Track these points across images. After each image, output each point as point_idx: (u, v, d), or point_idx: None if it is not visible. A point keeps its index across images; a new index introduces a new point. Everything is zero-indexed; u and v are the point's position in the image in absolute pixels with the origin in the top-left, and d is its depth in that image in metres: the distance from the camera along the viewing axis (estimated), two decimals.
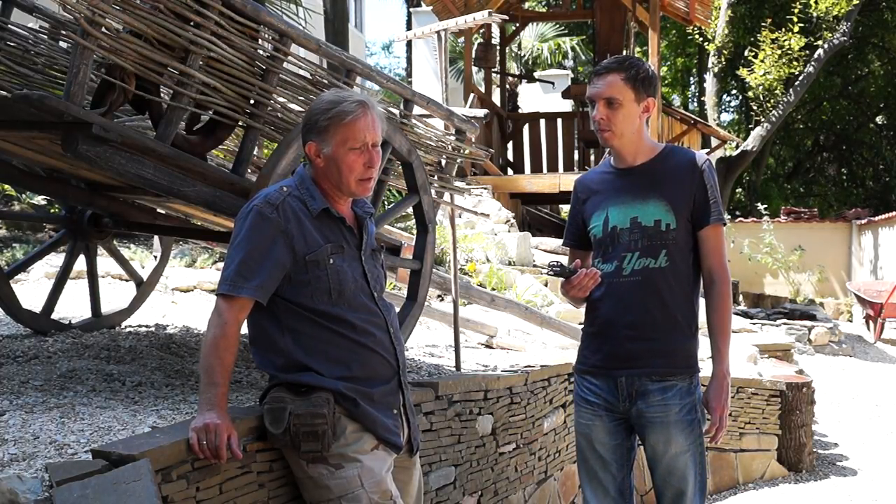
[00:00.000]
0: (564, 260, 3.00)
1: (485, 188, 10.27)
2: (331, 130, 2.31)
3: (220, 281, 2.27)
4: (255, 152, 3.47)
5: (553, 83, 17.55)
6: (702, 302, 2.83)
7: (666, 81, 24.50)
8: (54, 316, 4.07)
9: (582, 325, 2.97)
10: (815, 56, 16.60)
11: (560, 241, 8.74)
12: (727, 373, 2.74)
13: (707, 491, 2.93)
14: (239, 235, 2.28)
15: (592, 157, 12.88)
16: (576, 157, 13.23)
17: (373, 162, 2.35)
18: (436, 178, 4.05)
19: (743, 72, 16.89)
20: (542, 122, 13.19)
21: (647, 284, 2.71)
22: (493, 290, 7.01)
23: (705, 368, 2.78)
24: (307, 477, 2.28)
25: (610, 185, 2.82)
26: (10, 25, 3.39)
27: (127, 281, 5.22)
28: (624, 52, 12.35)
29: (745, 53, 17.35)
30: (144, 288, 4.49)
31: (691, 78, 26.67)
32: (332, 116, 2.30)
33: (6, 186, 6.44)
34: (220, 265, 6.51)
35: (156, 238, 5.29)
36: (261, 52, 3.06)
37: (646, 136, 2.80)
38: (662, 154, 2.80)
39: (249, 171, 3.27)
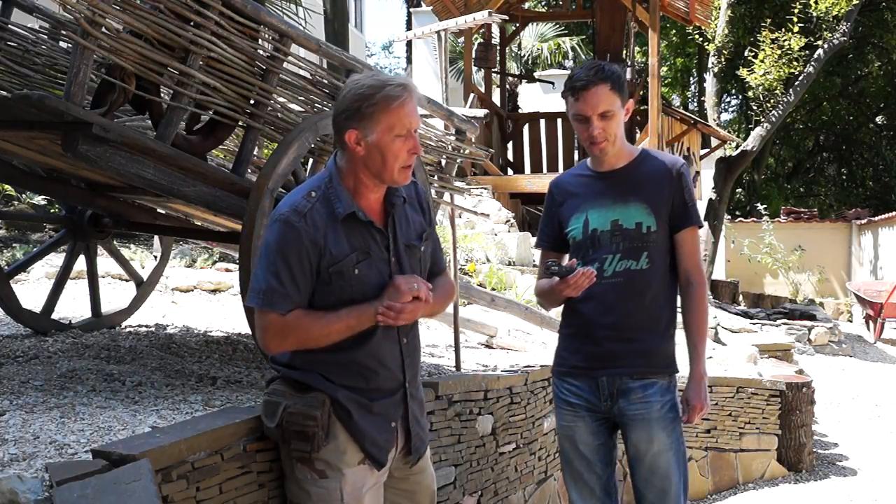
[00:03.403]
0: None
1: (485, 188, 10.26)
2: (375, 117, 2.16)
3: (251, 292, 2.19)
4: (255, 152, 3.48)
5: (553, 83, 17.51)
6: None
7: (666, 81, 24.43)
8: (54, 316, 4.07)
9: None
10: (815, 56, 16.57)
11: None
12: (704, 373, 2.79)
13: (689, 494, 2.93)
14: (267, 246, 2.20)
15: None
16: (576, 157, 13.19)
17: (416, 148, 2.23)
18: (436, 178, 4.06)
19: (743, 72, 16.85)
20: (542, 122, 13.17)
21: (629, 286, 2.73)
22: (493, 290, 7.00)
23: (684, 370, 2.81)
24: (292, 476, 2.28)
25: (588, 188, 2.82)
26: (10, 25, 3.39)
27: (127, 281, 5.22)
28: (624, 52, 12.37)
29: (745, 53, 17.32)
30: (144, 288, 4.49)
31: (691, 78, 26.62)
32: (376, 102, 2.16)
33: (6, 186, 6.44)
34: (220, 265, 6.51)
35: (156, 238, 5.30)
36: (261, 52, 3.06)
37: (624, 138, 2.82)
38: (639, 158, 2.82)
39: (249, 171, 3.27)
